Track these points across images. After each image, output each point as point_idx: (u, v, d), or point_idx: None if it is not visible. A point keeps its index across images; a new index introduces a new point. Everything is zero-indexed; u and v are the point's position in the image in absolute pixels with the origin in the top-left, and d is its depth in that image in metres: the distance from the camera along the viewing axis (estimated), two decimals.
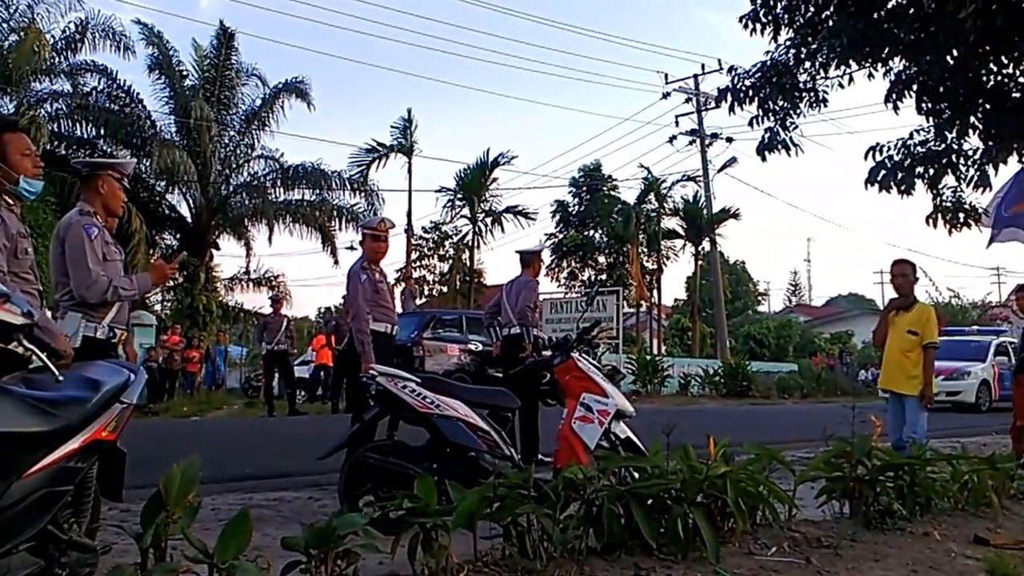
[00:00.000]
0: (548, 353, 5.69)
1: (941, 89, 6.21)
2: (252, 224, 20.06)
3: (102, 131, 18.11)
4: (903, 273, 5.46)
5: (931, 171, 6.49)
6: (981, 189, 6.38)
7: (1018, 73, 6.29)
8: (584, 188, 30.82)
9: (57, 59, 17.18)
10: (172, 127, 19.08)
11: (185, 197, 19.48)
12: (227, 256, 36.37)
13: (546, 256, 7.72)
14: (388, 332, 5.24)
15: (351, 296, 5.21)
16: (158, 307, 20.35)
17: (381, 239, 5.39)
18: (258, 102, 19.78)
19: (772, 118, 6.86)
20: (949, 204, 6.63)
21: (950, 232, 6.66)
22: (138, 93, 18.74)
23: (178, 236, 20.06)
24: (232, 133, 19.85)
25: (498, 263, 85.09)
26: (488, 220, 26.65)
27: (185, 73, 19.35)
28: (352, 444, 4.08)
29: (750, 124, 7.02)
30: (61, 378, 2.14)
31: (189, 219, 19.73)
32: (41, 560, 2.06)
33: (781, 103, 6.80)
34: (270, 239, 19.93)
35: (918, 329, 5.26)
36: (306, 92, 19.61)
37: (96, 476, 2.37)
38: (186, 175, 18.02)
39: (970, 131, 6.34)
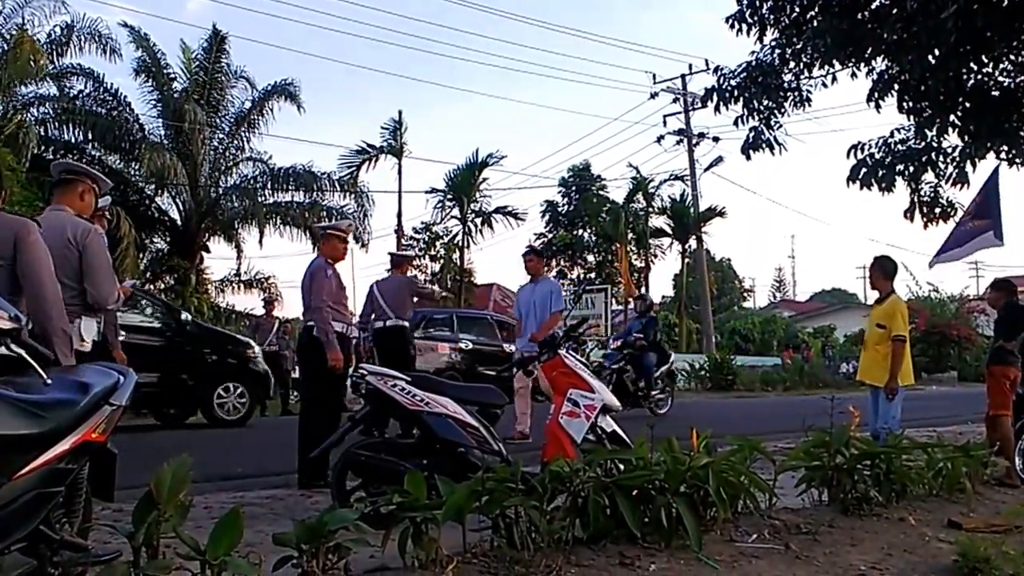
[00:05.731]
0: None
1: (922, 88, 6.25)
2: (242, 226, 19.95)
3: (90, 135, 17.90)
4: (873, 268, 5.66)
5: (911, 168, 6.55)
6: (960, 185, 6.47)
7: (997, 72, 6.37)
8: (573, 188, 30.92)
9: (43, 63, 17.06)
10: (160, 130, 18.97)
11: (175, 200, 19.34)
12: (217, 258, 36.30)
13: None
14: (345, 333, 5.26)
15: (316, 288, 5.13)
16: (149, 310, 20.20)
17: (346, 241, 5.57)
18: (248, 105, 19.70)
19: (757, 117, 6.89)
20: (927, 199, 6.72)
21: (925, 226, 6.76)
22: (125, 96, 18.61)
23: (168, 239, 19.96)
24: (222, 136, 19.74)
25: (488, 263, 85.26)
26: (478, 220, 26.63)
27: (173, 76, 19.23)
28: (343, 442, 4.12)
29: (735, 123, 7.06)
30: (49, 381, 2.17)
31: (179, 222, 19.62)
32: (33, 560, 2.08)
33: (766, 102, 6.83)
34: (260, 241, 19.86)
35: (885, 322, 5.39)
36: (296, 94, 19.56)
37: (87, 476, 2.40)
38: (175, 178, 17.89)
39: (950, 129, 6.39)
